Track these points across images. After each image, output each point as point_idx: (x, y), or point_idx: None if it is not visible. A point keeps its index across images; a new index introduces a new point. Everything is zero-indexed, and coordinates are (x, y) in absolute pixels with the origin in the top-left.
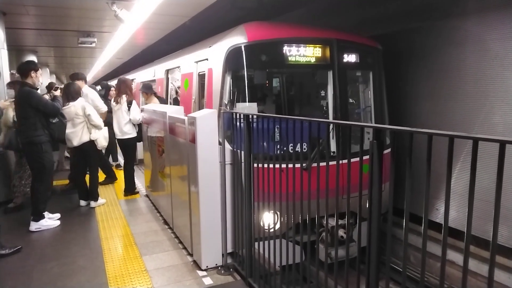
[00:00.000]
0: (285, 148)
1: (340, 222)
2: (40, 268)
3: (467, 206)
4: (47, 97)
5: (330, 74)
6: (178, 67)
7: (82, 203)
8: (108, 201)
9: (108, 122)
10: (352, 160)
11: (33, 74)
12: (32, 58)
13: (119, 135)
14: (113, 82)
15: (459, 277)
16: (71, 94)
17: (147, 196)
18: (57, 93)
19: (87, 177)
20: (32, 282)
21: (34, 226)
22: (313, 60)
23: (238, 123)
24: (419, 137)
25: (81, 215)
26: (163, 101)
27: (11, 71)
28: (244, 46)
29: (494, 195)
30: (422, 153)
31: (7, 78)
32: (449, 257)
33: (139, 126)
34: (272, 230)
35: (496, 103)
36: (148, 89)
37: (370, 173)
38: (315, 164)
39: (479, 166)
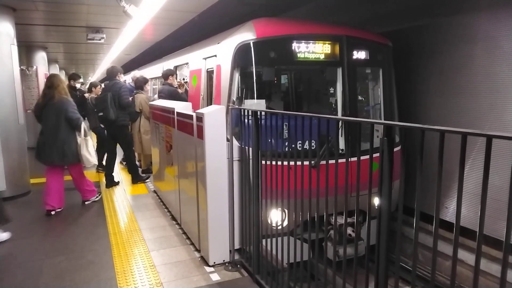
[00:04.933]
0: (293, 145)
1: (348, 220)
2: (49, 262)
3: (476, 204)
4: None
5: (339, 71)
6: (187, 63)
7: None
8: (116, 196)
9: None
10: (361, 158)
11: (171, 78)
12: (42, 54)
13: None
14: (122, 78)
15: (467, 275)
16: None
17: (155, 191)
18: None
19: None
20: (41, 276)
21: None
22: (322, 57)
23: (246, 120)
24: (428, 134)
25: (90, 210)
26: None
27: (21, 67)
28: (253, 42)
29: (501, 193)
30: (430, 150)
31: (17, 74)
32: (458, 255)
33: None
34: (279, 227)
35: (508, 101)
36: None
37: (380, 170)
38: (323, 162)
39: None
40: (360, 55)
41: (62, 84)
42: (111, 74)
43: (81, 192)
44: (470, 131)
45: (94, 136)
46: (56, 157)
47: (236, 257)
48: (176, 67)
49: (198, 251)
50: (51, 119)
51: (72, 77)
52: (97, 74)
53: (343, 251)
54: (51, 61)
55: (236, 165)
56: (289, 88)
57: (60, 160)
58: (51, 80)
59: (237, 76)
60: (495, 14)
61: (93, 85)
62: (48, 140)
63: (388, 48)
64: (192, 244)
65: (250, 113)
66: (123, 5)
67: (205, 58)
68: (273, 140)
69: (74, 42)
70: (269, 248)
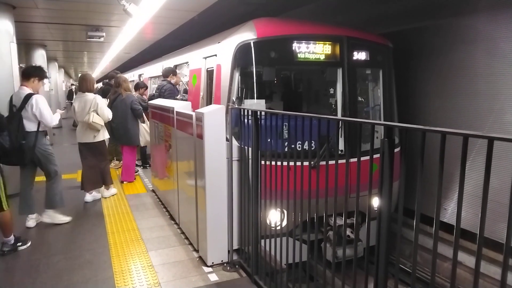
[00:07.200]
0: (293, 146)
1: (348, 221)
2: (46, 261)
3: (473, 206)
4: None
5: (339, 72)
6: (187, 62)
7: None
8: (115, 196)
9: None
10: (361, 158)
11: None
12: (41, 52)
13: None
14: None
15: (464, 276)
16: None
17: (153, 191)
18: None
19: None
20: (39, 276)
21: None
22: (322, 57)
23: (246, 120)
24: (426, 136)
25: (88, 209)
26: None
27: (20, 65)
28: (253, 42)
29: (500, 195)
30: (427, 152)
31: (16, 72)
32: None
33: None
34: (278, 227)
35: (507, 102)
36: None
37: (381, 171)
38: (323, 162)
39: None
40: (360, 56)
41: (125, 84)
42: (164, 75)
43: (122, 172)
44: (472, 133)
45: None
46: (124, 139)
47: (235, 257)
48: (176, 66)
49: (197, 251)
50: (120, 110)
51: (138, 86)
52: (96, 72)
53: (341, 252)
54: (50, 59)
55: (235, 165)
56: (289, 89)
57: (127, 142)
58: (117, 81)
59: (237, 75)
60: (495, 16)
61: (139, 86)
62: (118, 126)
63: (388, 49)
64: (191, 244)
65: (250, 113)
66: (123, 4)
67: (205, 58)
68: (272, 140)
69: (73, 40)
70: (267, 248)
